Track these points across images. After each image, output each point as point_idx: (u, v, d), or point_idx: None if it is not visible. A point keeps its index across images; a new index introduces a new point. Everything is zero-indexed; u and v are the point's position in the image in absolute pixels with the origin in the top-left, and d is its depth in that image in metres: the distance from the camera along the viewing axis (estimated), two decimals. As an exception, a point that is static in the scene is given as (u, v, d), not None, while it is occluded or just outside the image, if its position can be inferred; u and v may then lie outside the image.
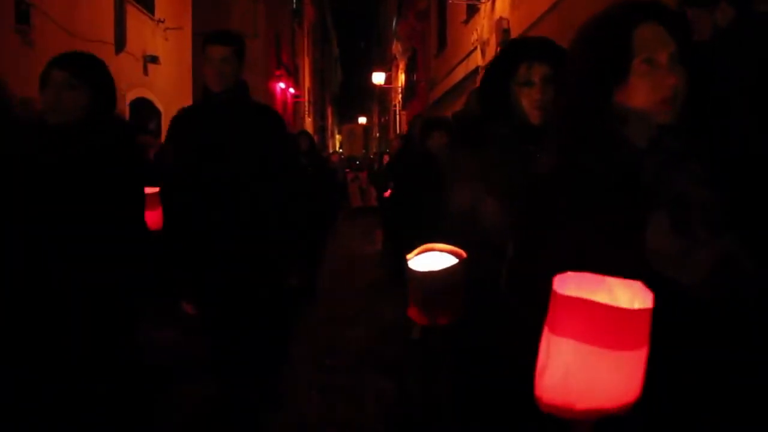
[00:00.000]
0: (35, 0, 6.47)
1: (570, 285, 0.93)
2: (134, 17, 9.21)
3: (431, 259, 1.53)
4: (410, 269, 1.51)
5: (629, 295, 0.94)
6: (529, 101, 1.65)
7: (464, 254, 1.52)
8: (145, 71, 9.64)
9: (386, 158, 11.12)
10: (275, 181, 2.62)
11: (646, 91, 1.13)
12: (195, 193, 2.54)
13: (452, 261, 1.51)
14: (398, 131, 21.52)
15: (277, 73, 19.30)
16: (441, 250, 1.54)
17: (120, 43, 8.61)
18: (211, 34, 2.68)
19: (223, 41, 2.61)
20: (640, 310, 0.91)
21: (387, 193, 6.87)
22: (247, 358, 2.57)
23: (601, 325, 0.89)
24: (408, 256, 1.55)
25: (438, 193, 1.91)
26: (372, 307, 5.90)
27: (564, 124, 1.22)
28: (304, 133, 6.96)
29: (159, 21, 10.22)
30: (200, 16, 11.65)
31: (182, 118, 2.73)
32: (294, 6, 24.48)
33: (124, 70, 8.81)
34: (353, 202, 16.10)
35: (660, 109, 1.13)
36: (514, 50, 1.76)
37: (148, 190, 2.50)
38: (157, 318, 3.48)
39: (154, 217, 2.60)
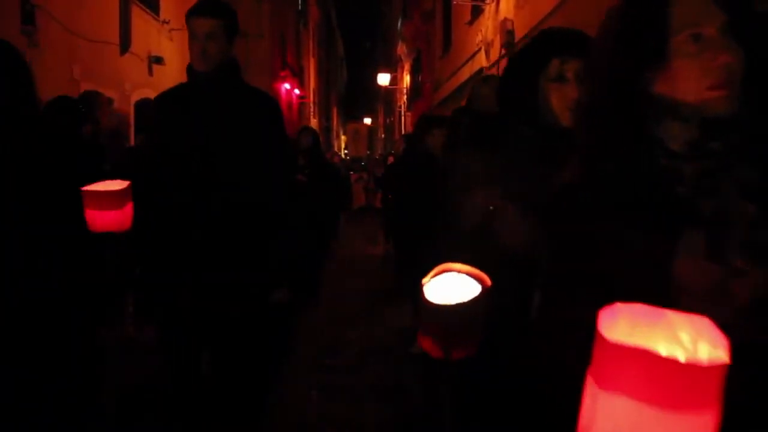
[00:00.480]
0: (40, 1, 6.50)
1: (621, 323, 0.74)
2: (139, 18, 9.25)
3: (449, 284, 1.32)
4: (427, 301, 1.30)
5: (693, 335, 0.74)
6: (562, 100, 1.44)
7: (487, 279, 1.31)
8: (150, 72, 9.68)
9: (391, 159, 11.10)
10: (268, 176, 2.30)
11: (693, 74, 0.93)
12: (178, 186, 2.23)
13: (473, 287, 1.30)
14: (403, 132, 21.52)
15: (282, 73, 19.34)
16: (459, 271, 1.32)
17: (125, 44, 8.64)
18: (196, 5, 2.25)
19: (208, 13, 2.21)
20: (712, 367, 0.69)
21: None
22: (236, 362, 2.35)
23: (662, 380, 0.69)
24: (424, 281, 1.33)
25: (437, 195, 1.82)
26: (372, 307, 5.90)
27: (589, 125, 1.04)
28: (308, 129, 6.35)
29: (164, 22, 10.27)
30: (205, 17, 11.66)
31: (164, 101, 2.40)
32: (299, 7, 24.55)
33: (129, 71, 8.86)
34: (356, 202, 16.09)
35: (712, 97, 0.93)
36: (546, 41, 1.53)
37: (116, 185, 2.24)
38: (138, 318, 3.46)
39: (119, 217, 2.29)
